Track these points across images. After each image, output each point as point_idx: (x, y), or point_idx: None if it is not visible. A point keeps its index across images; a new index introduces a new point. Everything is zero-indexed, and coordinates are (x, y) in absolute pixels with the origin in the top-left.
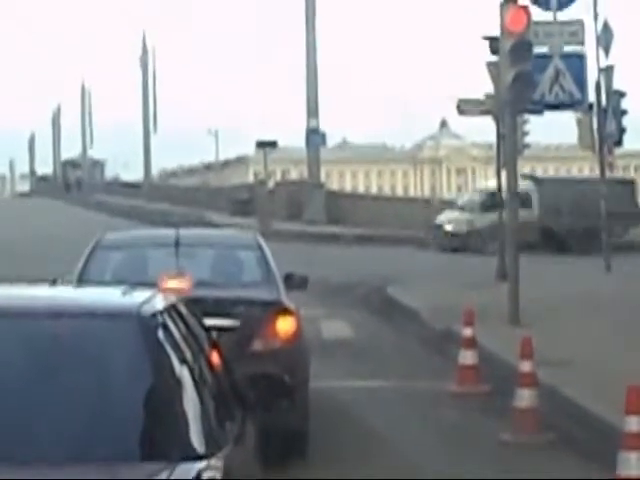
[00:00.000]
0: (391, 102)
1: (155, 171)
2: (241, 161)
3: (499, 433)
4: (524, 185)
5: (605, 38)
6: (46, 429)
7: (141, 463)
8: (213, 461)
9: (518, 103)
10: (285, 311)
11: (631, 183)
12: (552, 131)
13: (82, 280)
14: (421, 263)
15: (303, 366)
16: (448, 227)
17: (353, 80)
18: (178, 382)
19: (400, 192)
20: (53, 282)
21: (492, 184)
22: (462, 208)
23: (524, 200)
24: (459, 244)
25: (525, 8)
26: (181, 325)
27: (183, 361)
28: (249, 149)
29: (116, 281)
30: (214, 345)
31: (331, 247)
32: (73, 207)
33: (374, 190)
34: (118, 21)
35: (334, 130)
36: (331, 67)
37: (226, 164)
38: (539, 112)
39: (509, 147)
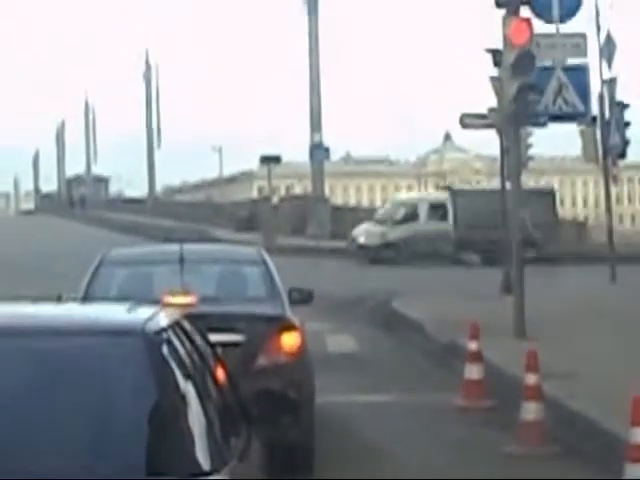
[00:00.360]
0: (394, 116)
1: (159, 187)
2: (245, 176)
3: (505, 446)
4: (442, 196)
5: (608, 50)
6: (51, 446)
7: (146, 479)
8: (219, 477)
9: (521, 116)
10: (289, 326)
11: (551, 193)
12: (556, 143)
13: (87, 297)
14: (426, 277)
15: (308, 381)
16: (361, 239)
17: (356, 94)
18: (183, 398)
19: None
20: (58, 299)
21: (409, 196)
22: (377, 221)
23: (441, 211)
24: (373, 256)
25: (528, 21)
26: (186, 341)
27: (188, 377)
28: (253, 164)
29: (121, 298)
30: (219, 361)
31: (335, 261)
32: (77, 224)
33: (378, 204)
34: (122, 37)
35: (338, 144)
36: (334, 81)
37: (230, 180)
38: (542, 124)
39: (513, 160)
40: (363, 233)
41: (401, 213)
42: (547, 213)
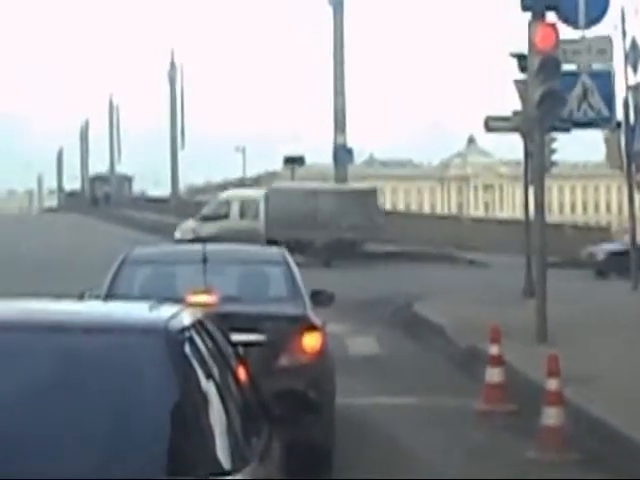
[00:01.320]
0: (419, 118)
1: (182, 187)
2: (269, 177)
3: (525, 451)
4: (256, 194)
5: (633, 56)
6: (73, 444)
7: (167, 478)
8: (239, 476)
9: (546, 121)
10: (311, 326)
11: (373, 193)
12: (580, 149)
13: (110, 295)
14: (448, 280)
15: (329, 381)
16: (177, 234)
17: (380, 97)
18: (205, 397)
19: (427, 209)
20: (80, 297)
21: (234, 193)
22: (199, 217)
23: (255, 209)
24: None
25: (553, 26)
26: (208, 340)
27: (210, 376)
28: (277, 165)
29: (144, 296)
30: (240, 360)
31: (358, 263)
32: (100, 222)
33: (401, 207)
34: (147, 36)
35: (361, 146)
36: (359, 84)
37: (254, 180)
38: (567, 130)
39: (537, 165)
40: (181, 228)
41: (211, 209)
42: (369, 213)
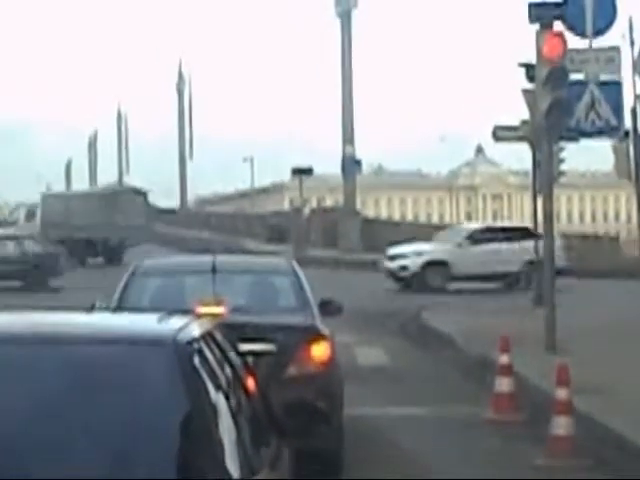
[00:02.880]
0: (427, 128)
1: (191, 198)
2: (277, 188)
3: (535, 460)
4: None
5: None
6: (81, 453)
7: None
8: None
9: (554, 130)
10: (320, 336)
11: (141, 194)
12: (589, 158)
13: (120, 306)
14: (457, 289)
15: (337, 391)
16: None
17: (388, 107)
18: (214, 408)
19: (436, 219)
20: (91, 309)
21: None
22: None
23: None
24: None
25: (561, 35)
26: (217, 351)
27: (219, 387)
28: (285, 176)
29: (154, 307)
30: (249, 371)
31: (367, 274)
32: None
33: (410, 217)
34: (155, 47)
35: (370, 157)
36: (367, 94)
37: (262, 191)
38: (575, 139)
39: (544, 174)
40: None
41: (5, 215)
42: (137, 213)
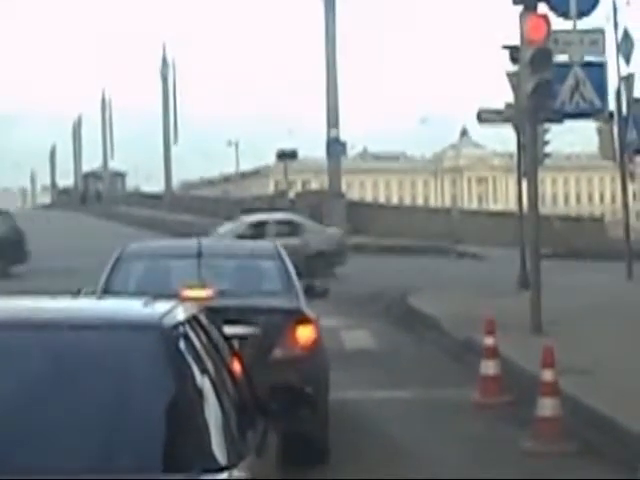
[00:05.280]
0: (411, 111)
1: (176, 182)
2: (262, 172)
3: (522, 442)
4: None
5: (625, 46)
6: (67, 440)
7: (163, 474)
8: (235, 472)
9: (538, 112)
10: (305, 319)
11: None
12: (573, 140)
13: (106, 291)
14: (442, 273)
15: (323, 374)
16: None
17: (373, 89)
18: (200, 393)
19: (421, 202)
20: (76, 293)
21: None
22: None
23: None
24: None
25: (545, 17)
26: (202, 336)
27: (204, 372)
28: (270, 160)
29: (139, 292)
30: (235, 354)
31: (352, 257)
32: (93, 218)
33: (395, 200)
34: (138, 32)
35: (354, 139)
36: (351, 76)
37: (247, 175)
38: (559, 121)
39: (529, 156)
40: None
41: None
42: None
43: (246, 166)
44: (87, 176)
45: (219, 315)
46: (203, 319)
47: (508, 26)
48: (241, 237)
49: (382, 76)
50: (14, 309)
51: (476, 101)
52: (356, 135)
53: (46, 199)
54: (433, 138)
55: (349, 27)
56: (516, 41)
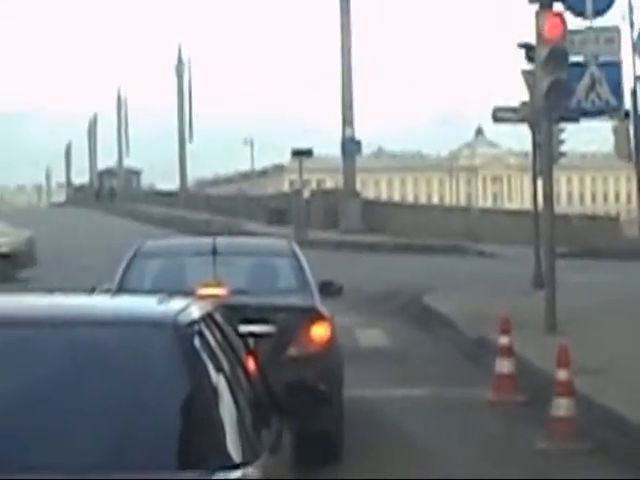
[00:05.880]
0: (427, 110)
1: (191, 180)
2: (277, 170)
3: (536, 441)
4: None
5: None
6: (82, 437)
7: (178, 471)
8: (250, 469)
9: (554, 111)
10: (320, 317)
11: None
12: (589, 139)
13: (121, 289)
14: (457, 271)
15: (338, 372)
16: None
17: (388, 88)
18: (215, 390)
19: (436, 200)
20: (91, 291)
21: None
22: None
23: None
24: None
25: (561, 16)
26: (217, 333)
27: (219, 369)
28: (285, 158)
29: (155, 289)
30: (250, 352)
31: (367, 256)
32: (107, 216)
33: (410, 198)
34: (155, 30)
35: (369, 138)
36: (366, 75)
37: (262, 173)
38: (575, 120)
39: (545, 155)
40: None
41: None
42: None
43: (261, 164)
44: (102, 174)
45: (234, 313)
46: (218, 317)
47: (524, 25)
48: None
49: (397, 75)
50: (30, 307)
51: (491, 100)
52: (371, 134)
53: (61, 196)
54: (448, 137)
55: (364, 26)
56: (532, 40)
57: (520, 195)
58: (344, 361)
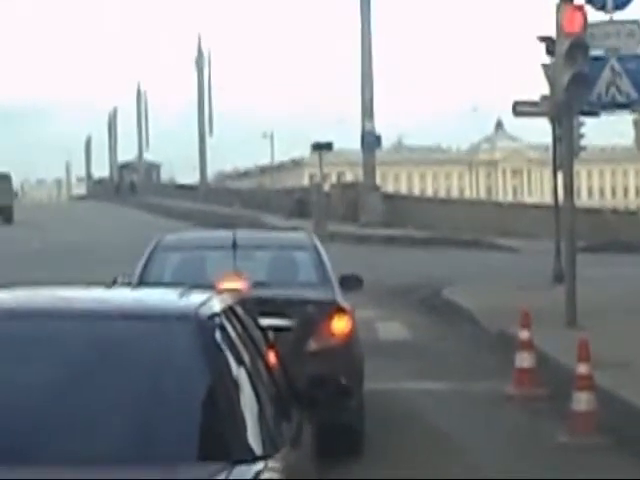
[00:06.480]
0: (447, 103)
1: (211, 174)
2: (296, 164)
3: (557, 435)
4: None
5: None
6: (105, 429)
7: (199, 464)
8: (271, 462)
9: (574, 105)
10: (341, 310)
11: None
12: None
13: (142, 281)
14: (477, 265)
15: (358, 366)
16: None
17: (408, 82)
18: (235, 383)
19: (456, 194)
20: (112, 284)
21: None
22: None
23: None
24: None
25: (581, 9)
26: (238, 326)
27: (240, 362)
28: (305, 152)
29: (175, 282)
30: (270, 345)
31: (387, 249)
32: (128, 209)
33: (429, 192)
34: (174, 24)
35: (389, 132)
36: (386, 69)
37: (282, 167)
38: (595, 114)
39: (565, 149)
40: None
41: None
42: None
43: (281, 157)
44: (122, 167)
45: (255, 306)
46: (239, 310)
47: (544, 18)
48: None
49: (417, 69)
50: (53, 299)
51: (512, 93)
52: (391, 127)
53: (81, 190)
54: (469, 130)
55: (385, 18)
56: (552, 33)
57: (540, 189)
58: (364, 355)
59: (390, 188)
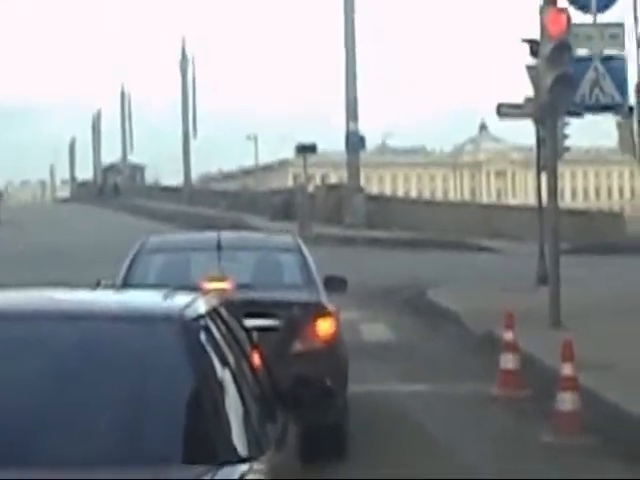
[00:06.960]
0: (430, 105)
1: (195, 176)
2: (281, 165)
3: (541, 436)
4: None
5: None
6: (89, 432)
7: (183, 466)
8: (256, 464)
9: (558, 106)
10: (325, 312)
11: None
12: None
13: (126, 283)
14: (462, 267)
15: (342, 368)
16: None
17: (392, 83)
18: (220, 385)
19: (440, 196)
20: (96, 286)
21: None
22: None
23: None
24: None
25: (565, 11)
26: (223, 328)
27: (225, 364)
28: (289, 153)
29: (160, 284)
30: (255, 347)
31: (372, 251)
32: (111, 212)
33: (414, 194)
34: (159, 26)
35: (374, 133)
36: (370, 71)
37: (266, 168)
38: (579, 115)
39: (549, 150)
40: None
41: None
42: None
43: (265, 159)
44: (106, 169)
45: (239, 308)
46: (223, 311)
47: (528, 20)
48: None
49: (401, 70)
50: (36, 300)
51: (495, 95)
52: (375, 128)
53: (65, 192)
54: (452, 132)
55: (369, 19)
56: (536, 35)
57: (524, 190)
58: (348, 356)
59: (374, 190)
